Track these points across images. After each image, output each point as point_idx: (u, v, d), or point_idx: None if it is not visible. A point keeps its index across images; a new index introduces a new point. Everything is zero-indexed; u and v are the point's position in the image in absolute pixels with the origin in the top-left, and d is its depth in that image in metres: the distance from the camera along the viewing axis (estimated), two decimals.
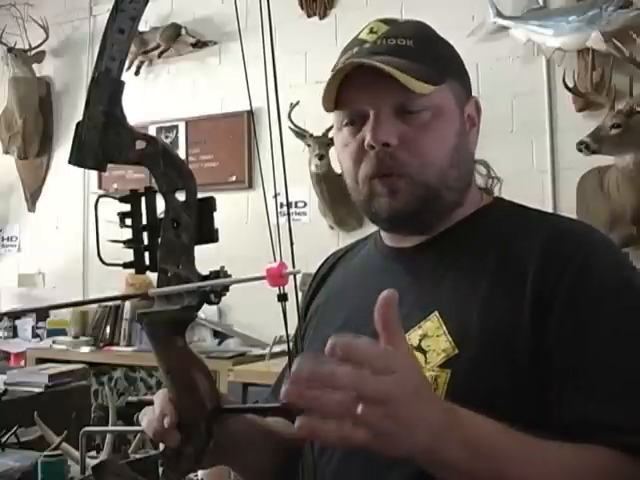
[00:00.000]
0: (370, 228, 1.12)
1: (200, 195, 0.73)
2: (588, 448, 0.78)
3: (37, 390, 2.83)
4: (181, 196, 0.72)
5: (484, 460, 0.73)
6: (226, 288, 0.71)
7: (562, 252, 0.89)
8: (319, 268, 1.19)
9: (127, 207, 0.73)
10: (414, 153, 0.93)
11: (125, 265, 0.73)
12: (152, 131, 4.05)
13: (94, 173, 4.25)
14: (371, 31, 0.96)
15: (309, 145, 3.41)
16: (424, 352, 0.89)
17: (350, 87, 0.94)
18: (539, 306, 0.86)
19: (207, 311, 3.68)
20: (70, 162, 0.72)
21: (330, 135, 3.34)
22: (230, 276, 0.71)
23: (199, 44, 4.03)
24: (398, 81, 0.90)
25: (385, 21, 0.98)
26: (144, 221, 0.73)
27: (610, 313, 0.86)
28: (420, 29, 1.00)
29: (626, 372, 0.83)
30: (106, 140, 0.71)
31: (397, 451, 0.68)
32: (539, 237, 0.91)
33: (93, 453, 1.81)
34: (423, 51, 0.94)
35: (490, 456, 0.73)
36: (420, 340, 0.90)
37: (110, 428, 1.77)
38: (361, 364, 0.64)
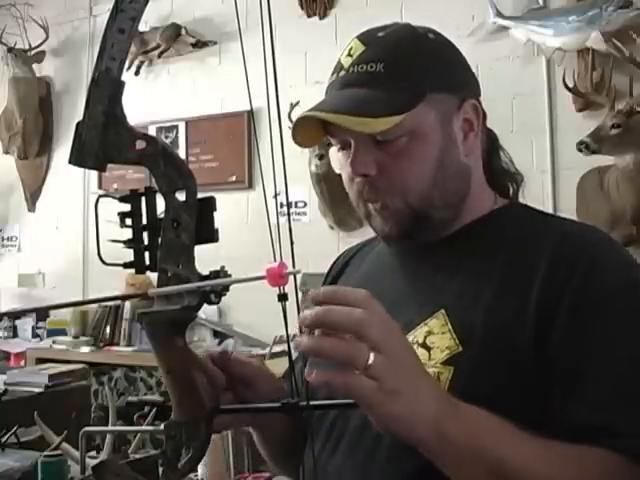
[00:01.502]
0: (370, 229, 1.13)
1: (200, 195, 0.73)
2: (589, 449, 0.78)
3: (37, 390, 2.83)
4: (181, 196, 0.72)
5: (487, 440, 0.76)
6: (226, 288, 0.71)
7: (569, 256, 0.89)
8: (330, 268, 1.20)
9: (127, 207, 0.73)
10: (393, 180, 0.94)
11: (125, 265, 0.73)
12: (152, 131, 4.05)
13: (94, 173, 4.25)
14: (349, 53, 0.96)
15: None
16: (428, 349, 0.90)
17: None
18: (545, 309, 0.86)
19: (207, 311, 3.68)
20: (70, 162, 0.72)
21: None
22: (230, 276, 0.71)
23: (199, 44, 4.03)
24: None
25: (364, 39, 0.96)
26: (144, 221, 0.73)
27: (614, 315, 0.86)
28: (399, 44, 0.96)
29: (629, 377, 0.83)
30: (106, 140, 0.71)
31: (404, 415, 0.71)
32: (547, 241, 0.92)
33: (93, 453, 1.81)
34: (395, 74, 0.92)
35: (492, 438, 0.76)
36: (425, 337, 0.91)
37: (110, 428, 1.77)
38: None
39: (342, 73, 0.96)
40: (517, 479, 0.76)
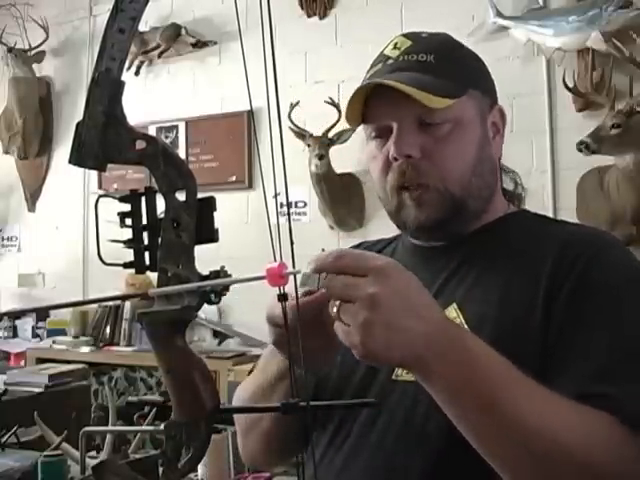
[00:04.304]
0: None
1: (200, 195, 0.73)
2: (589, 408, 0.79)
3: (37, 390, 2.83)
4: (181, 196, 0.72)
5: (477, 382, 0.76)
6: (226, 288, 0.71)
7: (575, 249, 0.92)
8: None
9: (127, 207, 0.73)
10: (436, 164, 0.96)
11: (125, 265, 0.73)
12: (152, 131, 4.05)
13: (94, 173, 4.25)
14: (395, 47, 1.00)
15: (309, 145, 3.41)
16: None
17: (374, 103, 0.98)
18: (550, 298, 0.89)
19: (207, 311, 3.68)
20: (70, 162, 0.72)
21: (330, 135, 3.34)
22: (230, 276, 0.71)
23: (199, 44, 4.03)
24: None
25: (409, 36, 1.01)
26: (144, 221, 0.73)
27: (612, 302, 0.87)
28: (443, 44, 1.02)
29: (625, 353, 0.84)
30: (106, 140, 0.71)
31: (391, 349, 0.73)
32: (555, 240, 0.94)
33: (93, 453, 1.81)
34: (443, 66, 0.97)
35: (485, 380, 0.76)
36: None
37: (110, 428, 1.77)
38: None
39: (390, 61, 0.99)
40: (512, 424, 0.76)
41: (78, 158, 0.71)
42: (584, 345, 0.85)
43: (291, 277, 0.68)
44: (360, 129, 1.05)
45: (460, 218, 0.99)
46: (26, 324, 4.29)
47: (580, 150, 2.81)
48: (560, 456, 0.76)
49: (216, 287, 0.70)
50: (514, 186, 1.10)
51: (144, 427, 1.74)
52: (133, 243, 0.73)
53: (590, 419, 0.78)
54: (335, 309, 0.75)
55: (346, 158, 3.38)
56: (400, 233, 1.15)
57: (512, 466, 0.78)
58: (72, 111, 4.44)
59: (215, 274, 0.71)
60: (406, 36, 1.01)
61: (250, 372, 1.11)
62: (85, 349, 3.81)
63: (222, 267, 0.72)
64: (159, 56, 4.15)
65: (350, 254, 0.76)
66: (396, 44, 1.00)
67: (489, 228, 1.03)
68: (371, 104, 0.98)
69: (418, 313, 0.74)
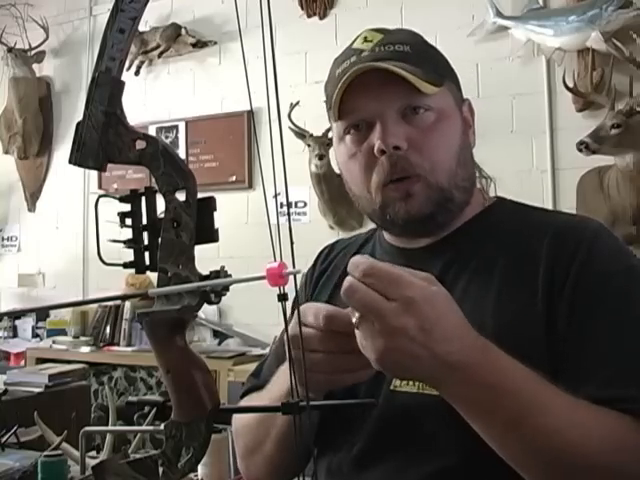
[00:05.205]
0: (370, 227, 1.13)
1: (200, 195, 0.73)
2: (610, 412, 0.79)
3: (37, 390, 2.83)
4: (181, 196, 0.72)
5: (502, 401, 0.75)
6: (226, 288, 0.71)
7: (569, 243, 0.91)
8: (314, 265, 1.18)
9: (127, 207, 0.73)
10: (424, 154, 0.94)
11: (125, 265, 0.73)
12: (152, 131, 4.05)
13: (94, 173, 4.25)
14: (365, 40, 0.97)
15: (309, 145, 3.41)
16: None
17: (352, 96, 0.94)
18: (551, 295, 0.88)
19: (207, 311, 3.68)
20: (70, 162, 0.72)
21: (330, 135, 3.34)
22: (230, 276, 0.71)
23: (199, 44, 4.04)
24: (401, 84, 0.91)
25: (378, 30, 0.98)
26: (144, 221, 0.73)
27: (615, 297, 0.87)
28: (414, 36, 1.00)
29: (635, 354, 0.84)
30: (106, 140, 0.71)
31: (416, 366, 0.72)
32: (545, 232, 0.93)
33: (93, 453, 1.80)
34: (421, 56, 0.95)
35: (509, 399, 0.75)
36: None
37: (110, 428, 1.77)
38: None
39: (365, 53, 0.95)
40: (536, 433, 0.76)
41: (78, 158, 0.71)
42: (599, 346, 0.84)
43: (291, 277, 0.68)
44: None
45: (447, 210, 0.97)
46: (26, 324, 4.29)
47: (580, 150, 2.81)
48: (585, 461, 0.76)
49: (216, 287, 0.70)
50: (479, 173, 1.07)
51: (144, 427, 1.74)
52: (133, 243, 0.73)
53: (612, 423, 0.78)
54: (355, 320, 0.74)
55: None
56: (374, 229, 1.12)
57: (537, 473, 0.78)
58: (72, 111, 4.45)
59: (215, 274, 0.71)
60: (374, 30, 0.98)
61: (249, 394, 1.09)
62: (85, 349, 3.81)
63: (222, 267, 0.72)
64: (159, 56, 4.15)
65: (379, 272, 0.72)
66: (366, 37, 0.97)
67: (473, 225, 1.00)
68: (348, 97, 0.94)
69: (439, 347, 0.72)
